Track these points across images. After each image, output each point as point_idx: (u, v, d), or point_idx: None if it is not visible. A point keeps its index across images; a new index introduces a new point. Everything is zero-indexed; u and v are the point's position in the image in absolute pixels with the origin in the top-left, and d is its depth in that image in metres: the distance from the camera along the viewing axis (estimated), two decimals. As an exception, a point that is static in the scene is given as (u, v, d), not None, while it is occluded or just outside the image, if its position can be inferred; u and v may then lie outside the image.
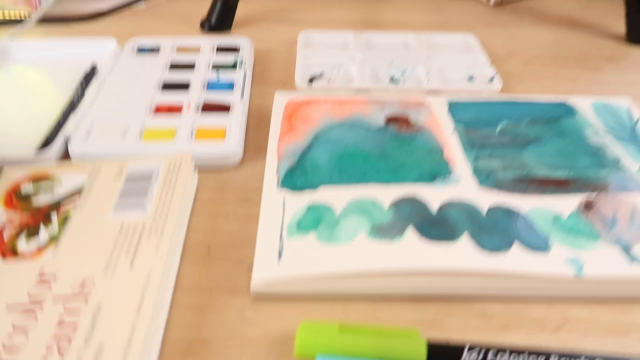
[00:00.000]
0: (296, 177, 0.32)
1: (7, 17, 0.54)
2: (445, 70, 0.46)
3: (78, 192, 0.30)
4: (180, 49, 0.47)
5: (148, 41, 0.47)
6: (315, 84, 0.44)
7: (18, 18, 0.54)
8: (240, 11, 0.55)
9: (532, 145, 0.36)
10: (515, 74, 0.47)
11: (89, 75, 0.44)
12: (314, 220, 0.29)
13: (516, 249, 0.27)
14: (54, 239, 0.28)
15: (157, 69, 0.43)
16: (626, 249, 0.28)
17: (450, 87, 0.43)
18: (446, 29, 0.56)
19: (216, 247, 0.30)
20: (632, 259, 0.27)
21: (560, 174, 0.33)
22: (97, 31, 0.53)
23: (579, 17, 0.59)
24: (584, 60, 0.50)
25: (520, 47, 0.53)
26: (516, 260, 0.27)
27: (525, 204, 0.31)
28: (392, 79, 0.45)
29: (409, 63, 0.47)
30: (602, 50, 0.52)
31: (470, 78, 0.46)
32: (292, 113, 0.38)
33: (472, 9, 0.61)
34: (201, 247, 0.30)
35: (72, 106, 0.39)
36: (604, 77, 0.48)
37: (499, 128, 0.37)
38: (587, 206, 0.31)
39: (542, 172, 0.33)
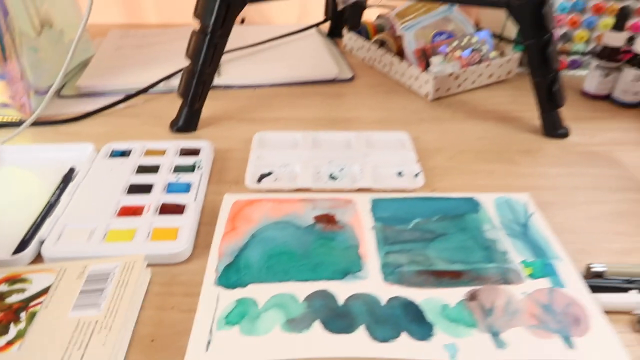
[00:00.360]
0: (231, 275, 0.38)
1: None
2: (378, 167, 0.53)
3: (46, 291, 0.36)
4: (149, 152, 0.54)
5: (121, 145, 0.55)
6: (263, 182, 0.51)
7: (8, 121, 0.61)
8: (208, 109, 0.63)
9: (437, 241, 0.42)
10: (439, 169, 0.54)
11: (67, 177, 0.51)
12: (239, 315, 0.35)
13: (403, 338, 0.33)
14: (20, 335, 0.33)
15: (125, 173, 0.50)
16: (496, 336, 0.33)
17: (379, 184, 0.50)
18: (388, 125, 0.64)
19: (160, 338, 0.35)
20: (500, 344, 0.33)
21: (456, 267, 0.39)
22: (80, 132, 0.61)
23: (506, 110, 0.68)
24: (503, 153, 0.58)
25: (450, 141, 0.60)
26: (401, 348, 0.32)
27: (420, 295, 0.36)
28: (331, 176, 0.52)
29: (347, 161, 0.54)
30: (521, 144, 0.60)
31: (400, 174, 0.53)
32: (236, 213, 0.45)
33: (413, 104, 0.69)
34: (147, 338, 0.35)
35: (48, 209, 0.46)
36: (518, 169, 0.55)
37: (412, 224, 0.44)
38: (472, 297, 0.37)
39: (440, 265, 0.39)
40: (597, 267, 0.40)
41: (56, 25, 0.71)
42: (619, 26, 0.66)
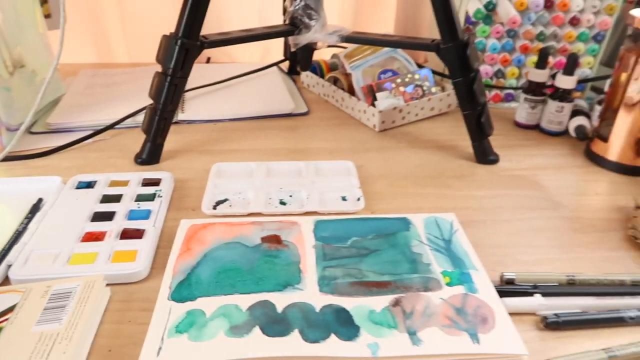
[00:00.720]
0: (182, 290, 0.42)
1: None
2: (324, 192, 0.59)
3: (11, 309, 0.40)
4: (113, 183, 0.59)
5: (87, 177, 0.59)
6: (218, 208, 0.56)
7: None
8: (171, 142, 0.68)
9: (370, 256, 0.47)
10: (380, 194, 0.60)
11: (35, 207, 0.55)
12: (188, 324, 0.39)
13: (332, 339, 0.38)
14: (-12, 348, 0.37)
15: (90, 202, 0.54)
16: (413, 335, 0.38)
17: (324, 208, 0.56)
18: (338, 154, 0.70)
19: (116, 348, 0.39)
20: (416, 341, 0.38)
21: (384, 278, 0.44)
22: (49, 166, 0.65)
23: (445, 140, 0.74)
24: (438, 178, 0.64)
25: (392, 169, 0.66)
26: (329, 347, 0.37)
27: (351, 302, 0.41)
28: (281, 202, 0.57)
29: (296, 188, 0.59)
30: (455, 170, 0.66)
31: (344, 198, 0.58)
32: (191, 236, 0.49)
33: (361, 135, 0.75)
34: (105, 348, 0.39)
35: (17, 236, 0.50)
36: (451, 192, 0.61)
37: (349, 242, 0.49)
38: (396, 303, 0.42)
39: (371, 277, 0.45)
40: (509, 275, 0.46)
41: (28, 66, 0.75)
42: (540, 65, 0.74)
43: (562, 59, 0.82)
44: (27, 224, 0.52)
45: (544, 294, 0.44)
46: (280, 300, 0.41)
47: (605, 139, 0.67)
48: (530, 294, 0.44)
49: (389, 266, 0.46)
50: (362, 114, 0.78)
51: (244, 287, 0.43)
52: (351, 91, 0.81)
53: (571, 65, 0.72)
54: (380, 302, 0.42)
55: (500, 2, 0.77)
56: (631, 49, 0.63)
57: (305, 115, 0.82)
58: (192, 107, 0.81)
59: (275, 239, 0.49)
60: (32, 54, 0.76)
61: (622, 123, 0.65)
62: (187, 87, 0.82)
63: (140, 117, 0.75)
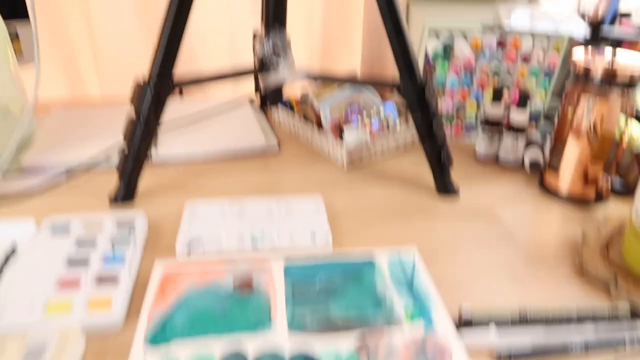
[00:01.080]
0: (157, 337, 0.44)
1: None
2: (294, 230, 0.61)
3: (-12, 363, 0.41)
4: (87, 225, 0.60)
5: (60, 219, 0.60)
6: (192, 248, 0.58)
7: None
8: (144, 181, 0.70)
9: (337, 296, 0.50)
10: (346, 229, 0.63)
11: (8, 255, 0.56)
12: (163, 370, 0.41)
13: (300, 381, 0.40)
14: (-34, 404, 0.38)
15: (64, 247, 0.56)
16: (376, 373, 0.41)
17: (294, 245, 0.58)
18: (307, 190, 0.72)
19: (93, 397, 0.41)
20: (379, 380, 0.41)
21: (350, 316, 0.47)
22: (21, 207, 0.66)
23: (408, 173, 0.78)
24: (402, 211, 0.68)
25: (358, 204, 0.69)
26: (298, 389, 0.39)
27: (319, 343, 0.44)
28: (253, 241, 0.60)
29: (267, 226, 0.62)
30: (418, 203, 0.70)
31: (312, 235, 0.61)
32: (165, 282, 0.51)
33: (330, 172, 0.78)
34: (82, 398, 0.41)
35: (-9, 285, 0.51)
36: (414, 224, 0.65)
37: (317, 283, 0.52)
38: (361, 343, 0.44)
39: (338, 315, 0.47)
40: (466, 311, 0.49)
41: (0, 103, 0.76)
42: (495, 100, 0.79)
43: (517, 92, 0.87)
44: (1, 271, 0.53)
45: (498, 325, 0.48)
46: (251, 340, 0.44)
47: (556, 169, 0.72)
48: (486, 324, 0.48)
49: (355, 304, 0.49)
50: (330, 149, 0.81)
51: (217, 330, 0.45)
52: (319, 126, 0.85)
53: (523, 100, 0.77)
54: (346, 342, 0.44)
55: (457, 42, 0.82)
56: (575, 85, 0.68)
57: (276, 151, 0.85)
58: (166, 146, 0.83)
59: (246, 284, 0.51)
60: (3, 91, 0.77)
61: (570, 154, 0.70)
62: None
63: (114, 157, 0.76)
